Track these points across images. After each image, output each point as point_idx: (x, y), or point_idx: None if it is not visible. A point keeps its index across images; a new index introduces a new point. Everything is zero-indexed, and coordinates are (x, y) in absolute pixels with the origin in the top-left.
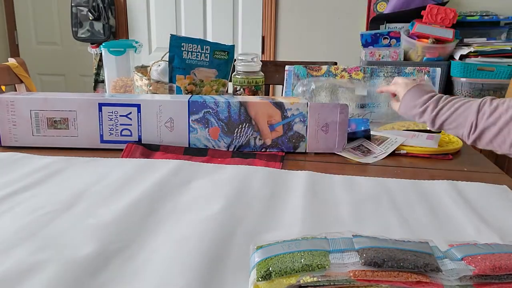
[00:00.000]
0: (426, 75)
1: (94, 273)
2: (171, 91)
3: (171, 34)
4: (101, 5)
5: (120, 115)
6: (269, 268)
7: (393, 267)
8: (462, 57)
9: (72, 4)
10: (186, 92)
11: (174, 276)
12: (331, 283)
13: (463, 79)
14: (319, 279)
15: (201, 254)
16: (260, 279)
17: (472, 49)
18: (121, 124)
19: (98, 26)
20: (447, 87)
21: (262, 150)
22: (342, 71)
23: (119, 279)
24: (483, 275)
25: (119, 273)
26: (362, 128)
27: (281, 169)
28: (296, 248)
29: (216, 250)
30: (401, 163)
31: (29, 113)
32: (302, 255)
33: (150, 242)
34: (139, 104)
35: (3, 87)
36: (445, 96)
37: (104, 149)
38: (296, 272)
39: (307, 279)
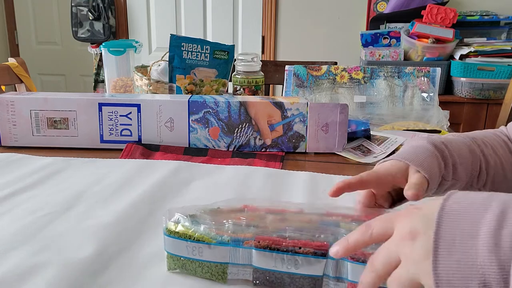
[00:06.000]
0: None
1: (94, 275)
2: (171, 91)
3: (171, 34)
4: (101, 5)
5: (120, 115)
6: (176, 268)
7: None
8: (462, 57)
9: (72, 4)
10: (186, 92)
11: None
12: None
13: (463, 79)
14: None
15: None
16: (170, 270)
17: (472, 49)
18: (121, 124)
19: (98, 26)
20: (447, 87)
21: (262, 150)
22: (342, 71)
23: (119, 281)
24: None
25: (119, 275)
26: (362, 128)
27: (281, 169)
28: (199, 257)
29: None
30: None
31: (29, 113)
32: (204, 267)
33: (150, 243)
34: (139, 104)
35: (3, 87)
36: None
37: (104, 149)
38: (199, 276)
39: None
